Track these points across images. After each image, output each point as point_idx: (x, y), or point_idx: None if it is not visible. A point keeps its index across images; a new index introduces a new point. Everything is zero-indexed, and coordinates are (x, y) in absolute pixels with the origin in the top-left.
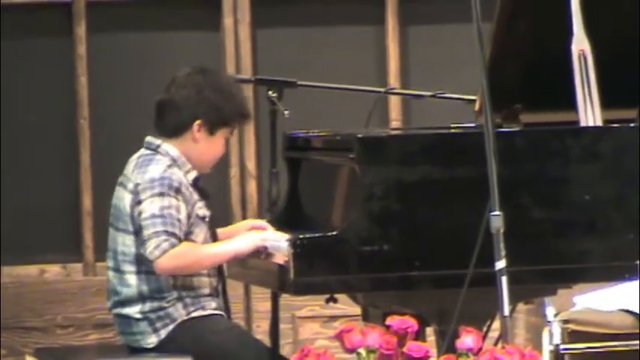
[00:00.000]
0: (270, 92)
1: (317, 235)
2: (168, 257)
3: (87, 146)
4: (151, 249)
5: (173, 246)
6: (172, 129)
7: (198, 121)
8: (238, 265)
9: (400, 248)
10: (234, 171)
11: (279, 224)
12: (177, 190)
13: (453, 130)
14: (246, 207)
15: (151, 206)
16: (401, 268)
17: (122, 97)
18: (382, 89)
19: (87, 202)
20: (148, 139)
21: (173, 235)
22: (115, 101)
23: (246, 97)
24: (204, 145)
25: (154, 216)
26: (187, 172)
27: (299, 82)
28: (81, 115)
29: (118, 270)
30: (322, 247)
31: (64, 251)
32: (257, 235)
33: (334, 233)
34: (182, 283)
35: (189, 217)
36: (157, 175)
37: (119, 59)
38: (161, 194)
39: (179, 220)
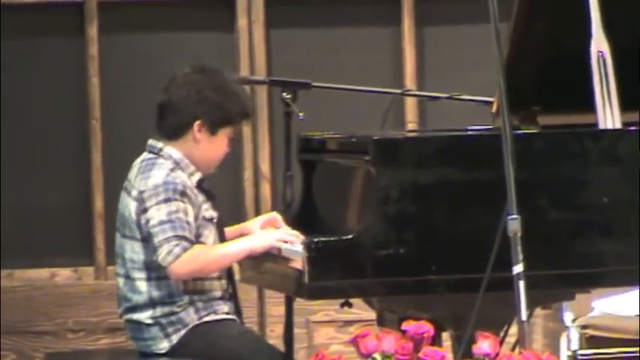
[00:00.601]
0: (284, 94)
1: (332, 238)
2: (182, 262)
3: (98, 147)
4: (163, 255)
5: (185, 249)
6: (173, 131)
7: (198, 122)
8: (251, 268)
9: (416, 252)
10: (247, 173)
11: (294, 228)
12: (183, 194)
13: (469, 133)
14: (260, 210)
15: (158, 213)
16: (417, 272)
17: (134, 98)
18: (398, 91)
19: (98, 203)
20: (150, 142)
21: (184, 238)
22: (127, 102)
23: (251, 96)
24: (207, 146)
25: (162, 222)
26: (191, 174)
27: (314, 84)
28: (92, 116)
29: (127, 277)
30: (337, 250)
31: (75, 254)
32: (273, 234)
33: (349, 237)
34: (193, 288)
35: (196, 219)
36: (161, 181)
37: (131, 60)
38: (167, 200)
39: (188, 223)
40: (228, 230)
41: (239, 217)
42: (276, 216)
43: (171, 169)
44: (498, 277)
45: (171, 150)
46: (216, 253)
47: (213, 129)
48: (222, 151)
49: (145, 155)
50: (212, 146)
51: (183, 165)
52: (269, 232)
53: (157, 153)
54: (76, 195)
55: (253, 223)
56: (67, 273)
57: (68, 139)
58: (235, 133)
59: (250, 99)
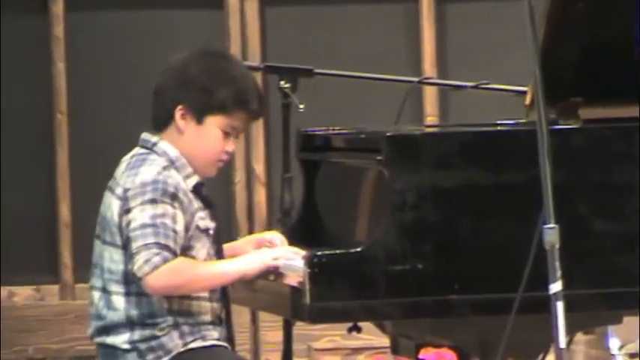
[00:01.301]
0: (282, 82)
1: (338, 251)
2: (160, 274)
3: (65, 146)
4: (139, 264)
5: (166, 261)
6: (158, 120)
7: (180, 106)
8: (244, 287)
9: (436, 267)
10: (239, 176)
11: (293, 239)
12: (174, 197)
13: (499, 128)
14: (254, 218)
15: (141, 215)
16: (437, 291)
17: (107, 87)
18: (415, 79)
19: (64, 212)
20: (144, 135)
21: (166, 247)
22: (99, 92)
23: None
24: (193, 137)
25: (144, 226)
26: (187, 176)
27: (316, 71)
28: (58, 108)
29: (104, 290)
30: (344, 265)
31: (37, 271)
32: (267, 254)
33: (358, 249)
34: (179, 308)
35: (187, 228)
36: (150, 179)
37: (104, 42)
38: (153, 201)
39: (174, 231)
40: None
41: (229, 226)
42: (274, 237)
43: (164, 167)
44: (532, 296)
45: (167, 146)
46: (200, 270)
47: (198, 116)
48: (213, 146)
49: (137, 150)
50: (199, 138)
51: (179, 164)
52: (263, 252)
53: (150, 148)
54: (38, 202)
55: (246, 243)
56: (28, 292)
57: (29, 135)
58: (237, 128)
59: (260, 92)
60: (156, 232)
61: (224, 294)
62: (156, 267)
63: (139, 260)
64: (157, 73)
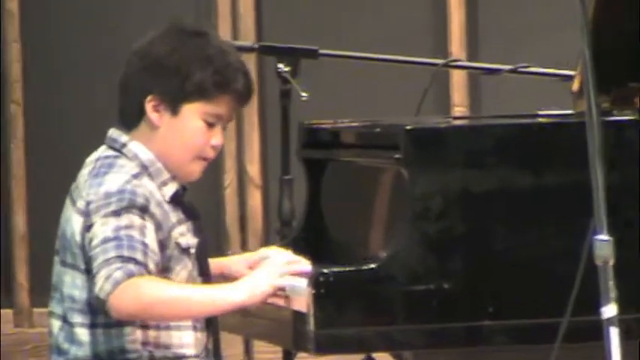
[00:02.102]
0: (280, 65)
1: (348, 268)
2: (123, 291)
3: (20, 142)
4: (100, 283)
5: (130, 275)
6: (126, 116)
7: (150, 96)
8: (235, 312)
9: (466, 287)
10: (229, 178)
11: (295, 253)
12: (143, 209)
13: (540, 120)
14: (246, 229)
15: (102, 229)
16: (467, 315)
17: (71, 72)
18: (440, 61)
19: (20, 221)
20: (112, 133)
21: (131, 260)
22: (61, 79)
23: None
24: (169, 132)
25: (104, 240)
26: (164, 183)
27: (322, 51)
28: (11, 97)
29: (65, 319)
30: (356, 285)
31: None
32: (270, 272)
33: (372, 266)
34: (156, 340)
35: (163, 247)
36: (115, 189)
37: (66, 20)
38: (117, 212)
39: (144, 245)
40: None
41: (217, 240)
42: (273, 254)
43: (134, 175)
44: (581, 322)
45: (139, 147)
46: (182, 294)
47: (173, 105)
48: (195, 140)
49: (103, 151)
50: (177, 132)
51: (153, 170)
52: (263, 272)
53: (119, 150)
54: None
55: (238, 263)
56: None
57: None
58: (222, 117)
59: (245, 68)
60: (118, 245)
61: (211, 321)
62: (117, 282)
63: (100, 280)
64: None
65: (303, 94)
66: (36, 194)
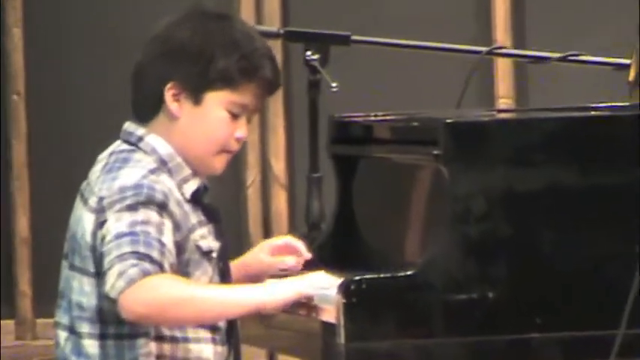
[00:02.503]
0: (308, 53)
1: (382, 275)
2: (138, 290)
3: (22, 136)
4: (112, 280)
5: (147, 273)
6: (142, 107)
7: (170, 84)
8: (259, 323)
9: (511, 296)
10: (252, 175)
11: (323, 258)
12: (162, 206)
13: (593, 113)
14: (270, 231)
15: (116, 225)
16: (513, 327)
17: (79, 60)
18: (484, 49)
19: (22, 224)
20: (127, 126)
21: (147, 257)
22: (67, 67)
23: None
24: (190, 123)
25: (118, 235)
26: (184, 180)
27: (354, 38)
28: (12, 88)
29: (72, 330)
30: (390, 294)
31: None
32: (300, 281)
33: (409, 273)
34: (172, 354)
35: (180, 250)
36: (131, 182)
37: (72, 2)
38: (132, 207)
39: (160, 243)
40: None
41: (239, 244)
42: (291, 241)
43: (152, 171)
44: (638, 335)
45: (157, 141)
46: (202, 294)
47: (195, 94)
48: (218, 131)
49: (117, 146)
50: (199, 122)
51: (173, 165)
52: (291, 280)
53: (135, 144)
54: None
55: (259, 251)
56: None
57: None
58: (248, 107)
59: (272, 55)
60: (134, 240)
61: (232, 332)
62: (132, 280)
63: (112, 277)
64: (143, 43)
65: (334, 84)
66: (40, 194)
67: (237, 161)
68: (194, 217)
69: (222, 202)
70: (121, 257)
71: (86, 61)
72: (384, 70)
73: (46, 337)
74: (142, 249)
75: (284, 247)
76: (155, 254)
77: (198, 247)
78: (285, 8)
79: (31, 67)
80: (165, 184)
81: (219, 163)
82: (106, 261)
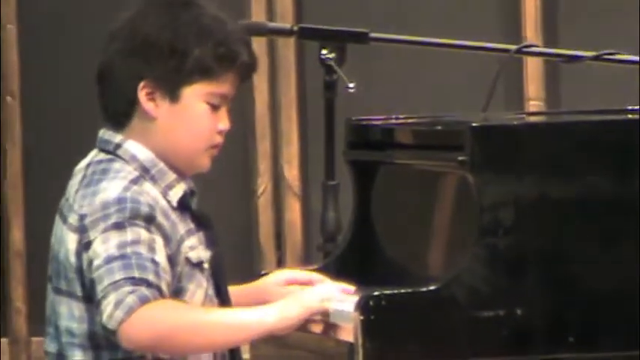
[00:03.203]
0: (324, 52)
1: (403, 290)
2: (139, 320)
3: (16, 141)
4: (108, 311)
5: (145, 301)
6: (114, 112)
7: (142, 82)
8: (268, 342)
9: (544, 313)
10: (263, 184)
11: (340, 273)
12: (149, 219)
13: (630, 116)
14: (284, 244)
15: (104, 246)
16: (545, 346)
17: (77, 59)
18: (512, 47)
19: (16, 236)
20: (103, 134)
21: (143, 282)
22: (65, 67)
23: (269, 53)
24: (169, 122)
25: (108, 260)
26: (169, 186)
27: (372, 35)
28: (7, 90)
29: (62, 358)
30: (412, 310)
31: None
32: (312, 294)
33: (432, 288)
34: None
35: (172, 262)
36: (113, 197)
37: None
38: (119, 225)
39: (153, 262)
40: (237, 290)
41: (249, 258)
42: (312, 277)
43: (134, 181)
44: None
45: (135, 147)
46: (205, 319)
47: (171, 90)
48: (201, 127)
49: (94, 156)
50: (179, 120)
51: (155, 172)
52: (304, 293)
53: (113, 152)
54: None
55: (273, 280)
56: None
57: None
58: (227, 96)
59: (246, 37)
60: (126, 265)
61: (234, 353)
62: (131, 309)
63: (108, 307)
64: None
65: (351, 84)
66: (35, 204)
67: (246, 168)
68: (182, 226)
69: (231, 213)
70: (116, 285)
71: (86, 60)
72: (405, 70)
73: (42, 357)
74: (136, 274)
75: (298, 281)
76: (151, 277)
77: (188, 260)
78: (299, 4)
79: (27, 67)
80: (149, 194)
81: (206, 160)
82: (99, 289)
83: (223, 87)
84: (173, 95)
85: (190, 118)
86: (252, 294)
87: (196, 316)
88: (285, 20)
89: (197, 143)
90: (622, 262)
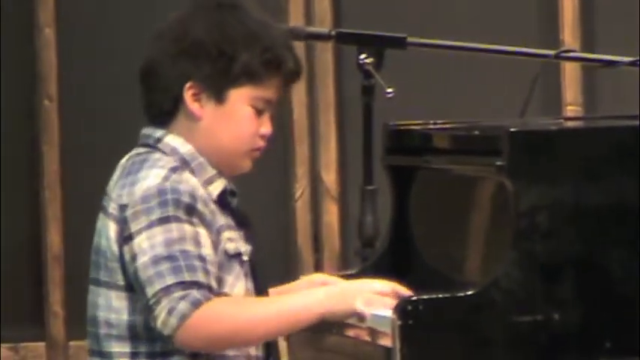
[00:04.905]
0: (362, 56)
1: (441, 295)
2: (194, 325)
3: (55, 143)
4: (162, 317)
5: (197, 305)
6: (157, 110)
7: (189, 83)
8: (306, 345)
9: (580, 318)
10: (301, 188)
11: (378, 277)
12: (190, 209)
13: None
14: (322, 248)
15: (149, 243)
16: (581, 351)
17: (115, 62)
18: (550, 52)
19: (54, 239)
20: (145, 130)
21: (194, 285)
22: (103, 69)
23: (308, 58)
24: (214, 123)
25: (156, 260)
26: (209, 181)
27: (410, 40)
28: (45, 92)
29: (100, 353)
30: (450, 315)
31: (17, 322)
32: (363, 288)
33: (470, 293)
34: None
35: (214, 249)
36: (153, 187)
37: (109, 1)
38: (163, 220)
39: (201, 259)
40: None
41: (286, 260)
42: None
43: (173, 169)
44: None
45: (176, 140)
46: (257, 313)
47: (218, 92)
48: (245, 130)
49: (135, 151)
50: (224, 122)
51: (195, 165)
52: (350, 292)
53: (154, 145)
54: (17, 225)
55: (306, 282)
56: (3, 353)
57: (4, 131)
58: (272, 101)
59: (292, 44)
60: (175, 268)
61: (270, 350)
62: (185, 316)
63: (162, 313)
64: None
65: (389, 89)
66: (73, 206)
67: (284, 172)
68: (221, 218)
69: (269, 217)
70: (167, 290)
71: (123, 61)
72: (443, 75)
73: None
74: (186, 276)
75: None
76: (201, 277)
77: (226, 251)
78: (337, 8)
79: (65, 70)
80: (189, 182)
81: (247, 162)
82: (150, 292)
83: (268, 92)
84: (219, 97)
85: (234, 121)
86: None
87: (246, 313)
88: (323, 24)
89: (239, 145)
90: None
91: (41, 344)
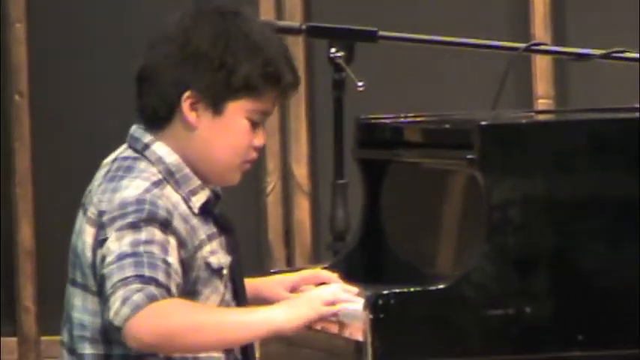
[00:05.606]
0: (333, 50)
1: (412, 289)
2: (145, 317)
3: (25, 142)
4: (116, 307)
5: (152, 299)
6: (153, 115)
7: (187, 93)
8: (278, 340)
9: (552, 312)
10: (272, 182)
11: (349, 273)
12: (165, 224)
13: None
14: (292, 243)
15: (117, 244)
16: (553, 345)
17: (88, 57)
18: (521, 45)
19: (25, 234)
20: (134, 130)
21: (153, 281)
22: (75, 65)
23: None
24: (209, 134)
25: (120, 256)
26: (193, 192)
27: (381, 33)
28: (14, 88)
29: (72, 351)
30: (421, 309)
31: None
32: (318, 298)
33: (441, 287)
34: None
35: (186, 267)
36: (133, 196)
37: None
38: (134, 225)
39: (166, 263)
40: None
41: (257, 256)
42: (318, 273)
43: (156, 183)
44: None
45: (163, 149)
46: (212, 317)
47: (216, 103)
48: (239, 142)
49: (122, 151)
50: (219, 134)
51: (179, 176)
52: (311, 296)
53: (141, 151)
54: None
55: (274, 286)
56: None
57: None
58: (268, 113)
59: (290, 56)
60: (137, 262)
61: (247, 352)
62: (138, 307)
63: (115, 302)
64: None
65: (360, 83)
66: (44, 202)
67: (255, 167)
68: (203, 231)
69: (240, 212)
70: (125, 281)
71: (95, 58)
72: (414, 69)
73: (51, 357)
74: (146, 272)
75: (307, 279)
76: (161, 277)
77: (208, 265)
78: (307, 2)
79: (35, 65)
80: (169, 199)
81: (237, 175)
82: (109, 285)
83: (266, 105)
84: (217, 108)
85: (230, 133)
86: (253, 290)
87: (202, 315)
88: (294, 18)
89: (233, 157)
90: (631, 261)
91: (13, 339)
